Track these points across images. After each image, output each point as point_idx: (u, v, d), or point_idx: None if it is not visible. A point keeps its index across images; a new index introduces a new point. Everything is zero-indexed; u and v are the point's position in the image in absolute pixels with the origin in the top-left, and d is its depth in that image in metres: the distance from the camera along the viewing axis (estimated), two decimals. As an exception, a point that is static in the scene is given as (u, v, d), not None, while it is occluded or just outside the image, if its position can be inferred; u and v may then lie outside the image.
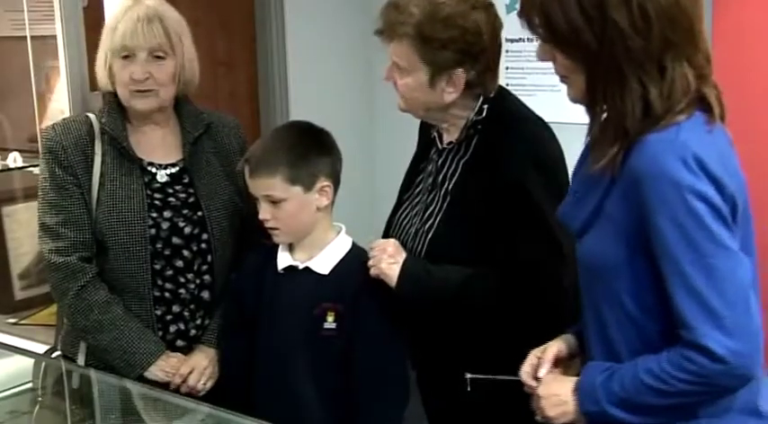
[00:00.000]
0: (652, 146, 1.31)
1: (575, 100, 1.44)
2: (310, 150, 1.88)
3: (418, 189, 1.95)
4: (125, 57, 1.95)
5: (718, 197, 1.30)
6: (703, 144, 1.31)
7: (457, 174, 1.85)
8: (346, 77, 3.56)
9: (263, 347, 1.91)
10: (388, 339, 1.86)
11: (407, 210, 1.96)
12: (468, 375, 1.81)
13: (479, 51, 1.80)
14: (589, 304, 1.46)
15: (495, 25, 1.84)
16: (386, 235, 1.98)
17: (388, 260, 1.82)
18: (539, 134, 1.87)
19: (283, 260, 1.91)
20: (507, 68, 3.46)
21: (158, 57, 1.96)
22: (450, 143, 1.89)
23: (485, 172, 1.80)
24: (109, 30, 1.98)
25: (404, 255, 1.83)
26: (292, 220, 1.87)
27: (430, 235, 1.85)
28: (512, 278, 1.75)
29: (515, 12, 3.64)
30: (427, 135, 1.97)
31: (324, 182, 1.87)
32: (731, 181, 1.33)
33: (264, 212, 1.87)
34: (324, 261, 1.89)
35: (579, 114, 3.32)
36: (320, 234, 1.90)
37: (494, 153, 1.81)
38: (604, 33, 1.32)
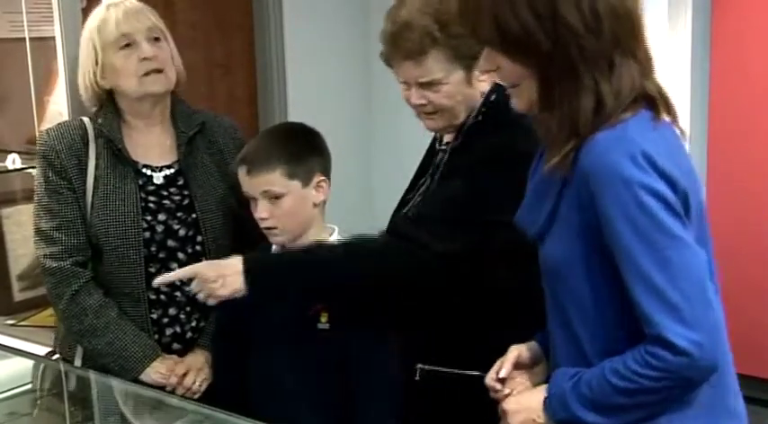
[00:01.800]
0: (601, 144, 1.32)
1: (525, 108, 1.42)
2: (305, 147, 1.90)
3: (422, 189, 1.96)
4: (125, 46, 1.96)
5: (669, 191, 1.30)
6: (651, 140, 1.32)
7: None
8: (345, 79, 3.56)
9: (257, 348, 1.91)
10: (381, 336, 1.86)
11: (409, 207, 1.96)
12: (419, 366, 1.81)
13: None
14: (554, 306, 1.46)
15: None
16: None
17: (213, 284, 1.74)
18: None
19: None
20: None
21: (156, 39, 1.99)
22: (447, 143, 1.89)
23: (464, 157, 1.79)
24: (94, 29, 1.98)
25: (231, 264, 1.75)
26: (291, 217, 1.87)
27: None
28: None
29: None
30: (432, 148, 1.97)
31: (320, 177, 1.89)
32: (682, 176, 1.33)
33: (262, 211, 1.87)
34: None
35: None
36: (314, 234, 1.91)
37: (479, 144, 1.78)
38: (557, 33, 1.32)
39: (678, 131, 1.41)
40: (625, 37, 1.35)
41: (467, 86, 1.77)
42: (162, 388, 1.96)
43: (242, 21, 3.40)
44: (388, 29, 1.78)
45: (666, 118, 1.39)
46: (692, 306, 1.29)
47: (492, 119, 1.80)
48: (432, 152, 1.98)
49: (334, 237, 1.93)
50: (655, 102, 1.37)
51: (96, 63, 1.98)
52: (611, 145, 1.31)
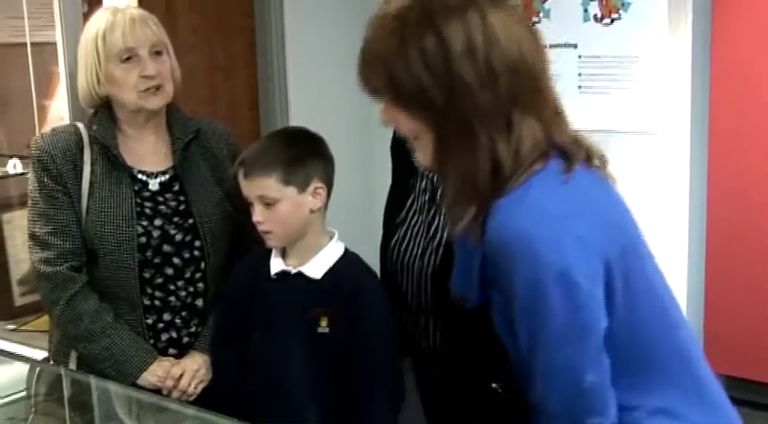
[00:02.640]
0: (503, 210, 1.27)
1: (425, 163, 1.37)
2: (304, 152, 1.89)
3: (413, 211, 1.94)
4: (127, 60, 1.95)
5: (579, 260, 1.24)
6: (557, 198, 1.27)
7: None
8: (346, 83, 3.53)
9: (257, 352, 1.91)
10: (382, 340, 1.86)
11: (406, 233, 1.95)
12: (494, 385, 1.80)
13: None
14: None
15: None
16: (384, 261, 1.96)
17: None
18: None
19: (276, 265, 1.91)
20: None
21: (158, 53, 1.98)
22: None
23: None
24: (96, 38, 1.97)
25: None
26: (285, 222, 1.87)
27: (441, 251, 1.85)
28: None
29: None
30: (401, 155, 1.95)
31: (317, 184, 1.88)
32: (596, 231, 1.27)
33: (258, 214, 1.87)
34: (316, 266, 1.89)
35: (577, 120, 3.31)
36: (313, 238, 1.91)
37: None
38: (451, 89, 1.27)
39: (600, 177, 1.35)
40: (525, 94, 1.29)
41: None
42: (158, 391, 1.96)
43: (243, 24, 3.40)
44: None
45: (589, 165, 1.33)
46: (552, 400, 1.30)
47: None
48: (403, 170, 1.96)
49: (334, 242, 1.93)
50: (567, 153, 1.31)
51: (97, 69, 1.97)
52: (513, 210, 1.27)
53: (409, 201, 1.95)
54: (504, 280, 1.30)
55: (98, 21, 1.99)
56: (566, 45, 3.33)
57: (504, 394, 1.60)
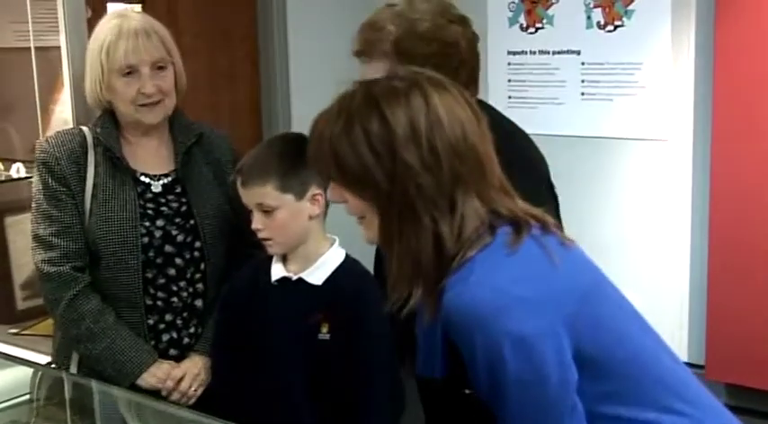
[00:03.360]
0: (452, 288, 1.28)
1: (371, 241, 1.39)
2: (301, 159, 1.88)
3: None
4: (128, 74, 1.96)
5: (528, 322, 1.25)
6: (501, 268, 1.29)
7: None
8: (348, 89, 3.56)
9: (256, 358, 1.91)
10: (381, 344, 1.86)
11: None
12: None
13: (459, 63, 1.80)
14: None
15: (472, 38, 1.84)
16: (379, 265, 1.97)
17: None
18: (525, 147, 1.89)
19: (277, 271, 1.91)
20: (509, 81, 3.48)
21: (160, 68, 1.98)
22: None
23: None
24: (101, 49, 1.97)
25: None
26: (284, 229, 1.87)
27: None
28: None
29: (517, 25, 3.66)
30: None
31: (315, 191, 1.88)
32: (544, 292, 1.29)
33: (257, 222, 1.87)
34: (317, 273, 1.89)
35: (580, 127, 3.31)
36: (313, 244, 1.90)
37: None
38: (395, 171, 1.29)
39: (556, 242, 1.35)
40: (468, 174, 1.31)
41: None
42: (157, 392, 1.97)
43: (246, 30, 3.41)
44: (361, 26, 1.86)
45: (545, 232, 1.35)
46: None
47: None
48: None
49: (335, 248, 1.93)
50: (517, 223, 1.33)
51: (100, 79, 1.99)
52: (458, 290, 1.28)
53: None
54: (466, 357, 1.31)
55: (105, 30, 1.99)
56: (569, 52, 3.33)
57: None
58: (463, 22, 1.84)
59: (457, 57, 1.79)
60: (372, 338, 1.85)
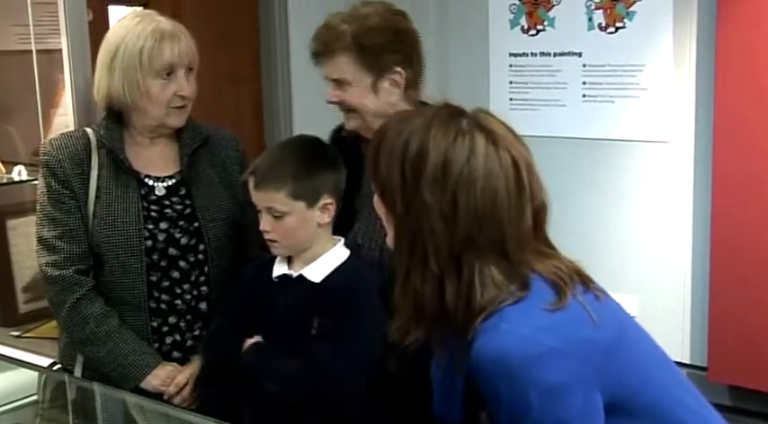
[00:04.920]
0: (480, 337, 1.27)
1: (391, 244, 1.39)
2: (316, 166, 1.88)
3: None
4: (167, 75, 1.97)
5: (556, 372, 1.24)
6: (534, 320, 1.27)
7: None
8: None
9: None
10: (361, 346, 1.83)
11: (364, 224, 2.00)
12: None
13: (411, 51, 1.98)
14: None
15: (416, 31, 2.02)
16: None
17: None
18: None
19: (278, 268, 1.92)
20: (511, 83, 3.47)
21: (191, 70, 2.01)
22: None
23: None
24: (141, 51, 1.94)
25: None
26: (292, 234, 1.87)
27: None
28: None
29: (519, 27, 3.66)
30: (343, 150, 2.01)
31: (327, 200, 1.88)
32: (575, 343, 1.27)
33: (265, 223, 1.88)
34: (317, 270, 1.90)
35: (582, 128, 3.31)
36: (319, 248, 1.91)
37: None
38: (412, 203, 1.28)
39: (593, 298, 1.34)
40: (485, 242, 1.28)
41: (372, 93, 1.96)
42: (158, 395, 1.96)
43: (248, 32, 3.41)
44: (316, 29, 2.00)
45: (587, 289, 1.34)
46: None
47: None
48: (358, 159, 1.99)
49: (338, 248, 1.93)
50: (556, 285, 1.30)
51: (137, 79, 1.95)
52: (489, 336, 1.26)
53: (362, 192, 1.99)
54: (491, 403, 1.30)
55: (138, 32, 1.96)
56: (570, 53, 3.33)
57: None
58: (404, 15, 2.02)
59: (409, 46, 1.98)
60: (352, 337, 1.83)
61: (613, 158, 3.31)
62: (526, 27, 3.41)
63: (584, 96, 3.32)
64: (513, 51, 3.46)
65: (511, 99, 3.47)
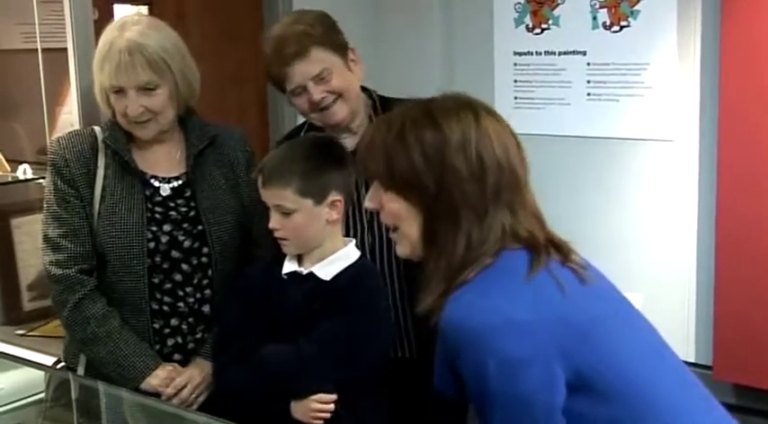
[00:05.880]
0: (446, 308, 1.36)
1: (408, 253, 1.49)
2: (324, 163, 1.89)
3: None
4: (117, 92, 1.96)
5: (515, 345, 1.31)
6: (499, 291, 1.36)
7: None
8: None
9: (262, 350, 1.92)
10: (357, 343, 1.86)
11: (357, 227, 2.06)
12: None
13: (341, 30, 2.14)
14: None
15: None
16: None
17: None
18: None
19: (288, 265, 1.93)
20: (516, 82, 3.47)
21: (148, 90, 1.96)
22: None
23: None
24: (97, 64, 1.98)
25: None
26: (301, 231, 1.88)
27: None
28: None
29: (523, 26, 3.65)
30: None
31: (335, 197, 1.89)
32: (543, 327, 1.33)
33: (274, 221, 1.89)
34: (327, 268, 1.90)
35: (586, 127, 3.31)
36: (329, 246, 1.92)
37: None
38: (443, 176, 1.40)
39: (572, 276, 1.42)
40: (506, 189, 1.42)
41: (349, 71, 2.09)
42: (157, 395, 1.96)
43: (252, 31, 3.41)
44: (268, 48, 2.07)
45: (555, 259, 1.42)
46: None
47: (401, 102, 2.00)
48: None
49: (349, 248, 1.94)
50: (535, 247, 1.41)
51: (100, 88, 2.00)
52: (453, 306, 1.35)
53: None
54: (458, 368, 1.37)
55: (102, 43, 1.98)
56: (574, 52, 3.33)
57: None
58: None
59: (337, 25, 2.12)
60: (350, 333, 1.84)
61: (618, 157, 3.30)
62: (531, 26, 3.41)
63: (588, 95, 3.31)
64: (518, 50, 3.45)
65: (515, 97, 3.47)
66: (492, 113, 1.48)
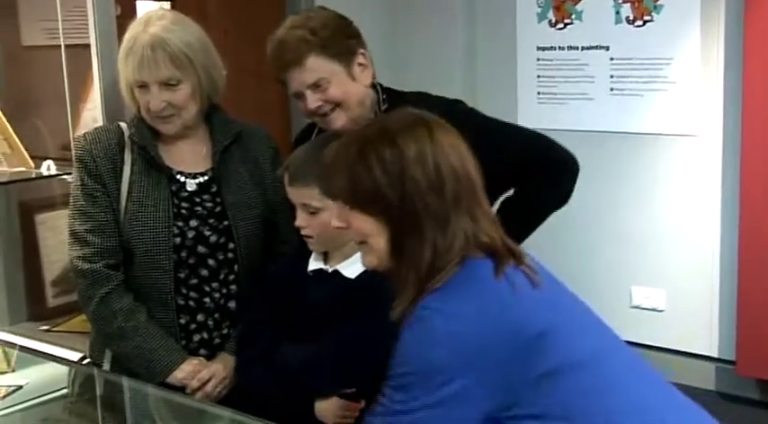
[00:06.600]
0: (419, 310, 1.44)
1: (375, 264, 1.55)
2: None
3: None
4: (141, 87, 1.97)
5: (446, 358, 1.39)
6: (456, 308, 1.42)
7: None
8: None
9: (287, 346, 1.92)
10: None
11: None
12: None
13: (358, 33, 2.07)
14: None
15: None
16: None
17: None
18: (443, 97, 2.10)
19: (315, 264, 1.93)
20: (538, 77, 3.46)
21: (171, 85, 1.96)
22: None
23: None
24: (122, 59, 1.99)
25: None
26: (327, 230, 1.87)
27: None
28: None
29: (546, 21, 3.63)
30: None
31: None
32: (482, 349, 1.39)
33: (301, 220, 1.89)
34: (353, 266, 1.90)
35: (609, 122, 3.29)
36: (354, 245, 1.91)
37: None
38: (404, 190, 1.47)
39: (524, 280, 1.48)
40: (465, 196, 1.50)
41: (350, 80, 2.02)
42: (181, 389, 1.97)
43: (274, 27, 3.41)
44: (269, 51, 2.04)
45: (518, 264, 1.49)
46: None
47: (406, 96, 2.07)
48: None
49: None
50: (497, 255, 1.48)
51: (125, 83, 2.01)
52: (411, 322, 1.43)
53: None
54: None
55: (127, 38, 1.99)
56: (598, 47, 3.31)
57: None
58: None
59: (354, 27, 2.06)
60: (373, 332, 1.83)
61: (641, 152, 3.28)
62: (554, 21, 3.39)
63: (611, 90, 3.30)
64: (541, 45, 3.44)
65: (538, 93, 3.46)
66: (444, 126, 1.55)
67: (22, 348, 2.36)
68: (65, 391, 2.06)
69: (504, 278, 1.45)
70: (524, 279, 1.48)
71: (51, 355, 2.32)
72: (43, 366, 2.18)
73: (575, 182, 2.11)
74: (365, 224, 1.52)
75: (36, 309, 2.83)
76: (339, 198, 1.55)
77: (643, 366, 1.57)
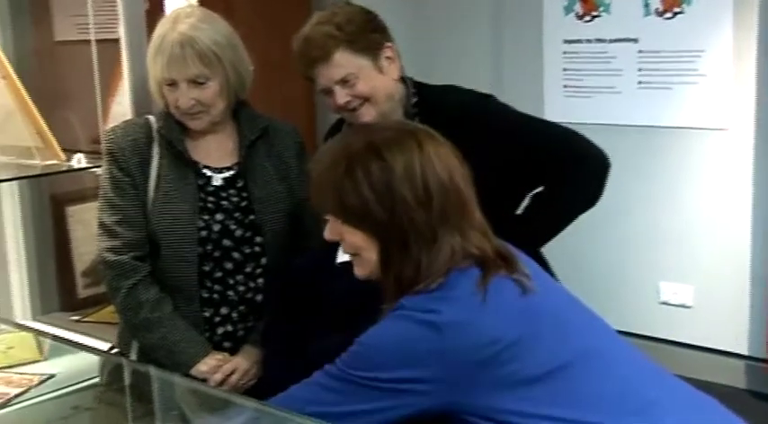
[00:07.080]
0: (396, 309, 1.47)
1: (366, 274, 1.57)
2: None
3: None
4: (169, 85, 1.99)
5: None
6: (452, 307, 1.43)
7: None
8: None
9: (312, 336, 1.93)
10: None
11: None
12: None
13: (384, 26, 2.06)
14: None
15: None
16: None
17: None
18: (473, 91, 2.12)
19: (343, 256, 1.94)
20: (565, 70, 3.44)
21: (199, 83, 1.98)
22: None
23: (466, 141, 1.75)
24: (151, 57, 2.01)
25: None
26: None
27: None
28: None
29: (573, 13, 3.62)
30: None
31: None
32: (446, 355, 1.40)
33: None
34: None
35: (637, 116, 3.27)
36: None
37: (454, 120, 1.87)
38: (392, 206, 1.47)
39: (512, 284, 1.48)
40: (453, 211, 1.49)
41: (378, 74, 2.01)
42: (206, 381, 1.99)
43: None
44: (295, 48, 2.05)
45: (510, 273, 1.49)
46: None
47: (436, 90, 2.10)
48: None
49: None
50: (485, 263, 1.48)
51: (154, 80, 2.03)
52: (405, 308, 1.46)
53: None
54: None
55: (156, 36, 2.00)
56: (626, 40, 3.29)
57: None
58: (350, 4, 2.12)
59: (380, 20, 2.06)
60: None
61: (670, 146, 3.26)
62: (581, 13, 3.38)
63: (639, 83, 3.28)
64: (568, 38, 3.43)
65: (565, 86, 3.44)
66: (433, 136, 1.54)
67: (54, 338, 2.39)
68: (95, 380, 2.08)
69: (481, 290, 1.45)
70: (512, 288, 1.47)
71: (82, 344, 2.35)
72: (74, 356, 2.20)
73: (603, 185, 2.09)
74: (356, 238, 1.53)
75: (67, 299, 2.87)
76: (328, 213, 1.56)
77: (641, 359, 1.55)
